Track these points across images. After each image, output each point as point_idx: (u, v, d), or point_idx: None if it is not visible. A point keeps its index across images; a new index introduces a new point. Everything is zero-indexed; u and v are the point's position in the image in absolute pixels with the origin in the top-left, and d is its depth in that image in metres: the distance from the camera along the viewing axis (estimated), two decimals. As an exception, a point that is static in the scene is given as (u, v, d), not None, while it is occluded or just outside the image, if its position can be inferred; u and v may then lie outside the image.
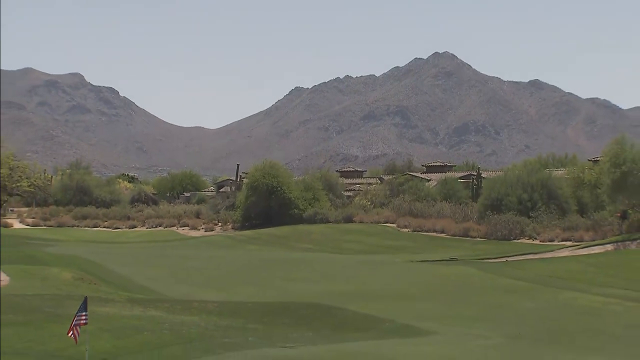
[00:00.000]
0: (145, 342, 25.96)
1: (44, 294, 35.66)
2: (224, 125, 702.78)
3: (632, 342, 28.90)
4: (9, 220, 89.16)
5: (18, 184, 50.37)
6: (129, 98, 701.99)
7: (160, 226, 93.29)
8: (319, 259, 59.34)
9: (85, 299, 13.23)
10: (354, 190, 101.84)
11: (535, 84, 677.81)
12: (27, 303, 32.42)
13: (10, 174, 49.87)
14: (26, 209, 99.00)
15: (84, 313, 12.61)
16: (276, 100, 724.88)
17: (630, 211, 63.31)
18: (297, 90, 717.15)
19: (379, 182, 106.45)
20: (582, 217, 71.03)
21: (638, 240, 57.79)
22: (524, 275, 46.45)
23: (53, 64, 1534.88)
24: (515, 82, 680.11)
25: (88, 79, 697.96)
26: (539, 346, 27.81)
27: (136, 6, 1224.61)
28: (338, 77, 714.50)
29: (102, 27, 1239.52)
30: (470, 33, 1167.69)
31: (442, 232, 75.60)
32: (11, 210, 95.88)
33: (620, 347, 28.18)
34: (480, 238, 71.87)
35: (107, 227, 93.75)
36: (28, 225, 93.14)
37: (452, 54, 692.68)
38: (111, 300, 34.89)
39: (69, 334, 12.62)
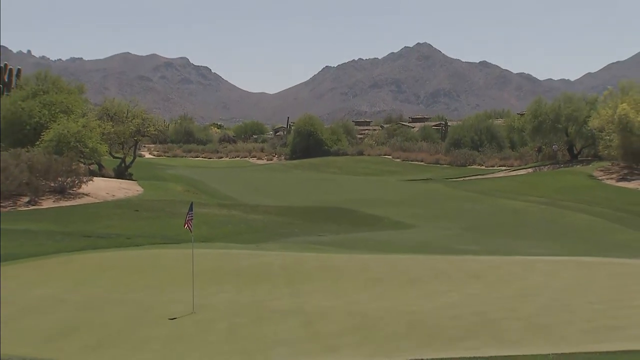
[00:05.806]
0: (229, 231, 26.31)
1: (165, 200, 36.10)
2: (279, 91, 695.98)
3: (543, 230, 28.89)
4: (142, 153, 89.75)
5: (147, 129, 50.26)
6: (217, 73, 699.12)
7: (237, 157, 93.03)
8: (341, 179, 59.45)
9: (191, 203, 13.27)
10: (364, 134, 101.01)
11: (483, 63, 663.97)
12: (155, 205, 32.84)
13: (143, 122, 49.86)
14: (153, 145, 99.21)
15: (191, 212, 12.66)
16: (312, 75, 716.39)
17: (543, 147, 62.63)
18: (327, 68, 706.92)
19: (380, 128, 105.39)
20: (513, 150, 70.32)
21: (548, 166, 57.31)
22: (474, 189, 46.25)
23: (169, 51, 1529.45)
24: (470, 62, 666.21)
25: (191, 61, 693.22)
26: (484, 234, 27.80)
27: (222, 12, 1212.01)
28: (354, 59, 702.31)
29: (201, 24, 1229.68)
30: (441, 29, 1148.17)
31: (422, 161, 74.95)
32: (144, 146, 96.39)
33: (535, 232, 28.22)
34: (447, 165, 71.26)
35: (204, 157, 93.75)
36: (154, 156, 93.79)
37: (429, 44, 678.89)
38: (207, 204, 35.25)
39: (185, 226, 12.70)
